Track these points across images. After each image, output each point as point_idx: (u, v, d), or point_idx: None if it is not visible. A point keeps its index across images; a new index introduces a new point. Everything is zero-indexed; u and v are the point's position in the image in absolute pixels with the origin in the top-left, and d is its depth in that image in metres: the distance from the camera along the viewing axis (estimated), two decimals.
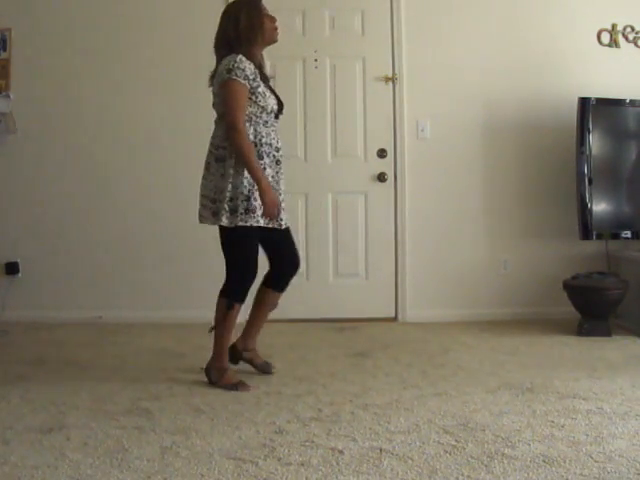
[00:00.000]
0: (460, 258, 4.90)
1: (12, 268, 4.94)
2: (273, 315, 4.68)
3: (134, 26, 4.89)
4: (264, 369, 3.49)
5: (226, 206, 3.11)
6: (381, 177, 4.86)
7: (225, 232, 3.18)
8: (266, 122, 3.21)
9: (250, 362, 3.51)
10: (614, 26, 4.86)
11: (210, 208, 3.18)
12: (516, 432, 2.63)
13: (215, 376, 3.27)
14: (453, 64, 4.84)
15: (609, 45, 4.87)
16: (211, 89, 3.29)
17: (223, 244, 3.23)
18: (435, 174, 4.88)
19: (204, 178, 3.23)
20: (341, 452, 2.45)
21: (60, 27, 4.89)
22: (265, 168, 3.16)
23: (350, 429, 2.69)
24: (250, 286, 3.29)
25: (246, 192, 3.11)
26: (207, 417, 2.85)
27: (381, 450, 2.47)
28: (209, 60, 4.83)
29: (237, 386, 3.21)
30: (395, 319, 4.89)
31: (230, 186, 3.11)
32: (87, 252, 4.93)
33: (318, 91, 4.87)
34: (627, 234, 4.65)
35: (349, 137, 4.89)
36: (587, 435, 2.58)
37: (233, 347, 3.46)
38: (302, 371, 3.48)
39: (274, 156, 3.23)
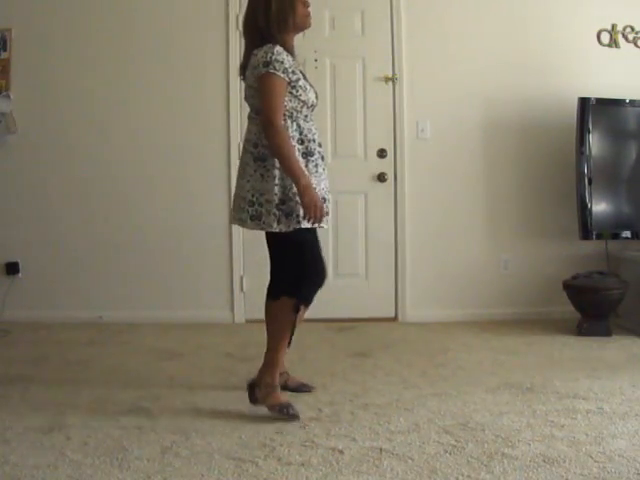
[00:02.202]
0: (460, 258, 4.90)
1: (12, 268, 4.94)
2: None
3: (134, 25, 4.88)
4: (303, 390, 3.16)
5: (276, 210, 2.84)
6: (381, 177, 4.86)
7: (282, 237, 2.90)
8: (306, 117, 3.00)
9: (285, 387, 3.13)
10: (614, 26, 4.86)
11: (247, 211, 2.90)
12: (516, 432, 2.63)
13: (262, 393, 2.91)
14: (453, 64, 4.84)
15: (609, 45, 4.87)
16: (242, 79, 3.05)
17: (282, 249, 2.96)
18: (435, 174, 4.88)
19: (240, 178, 2.98)
20: (341, 452, 2.45)
21: (60, 27, 4.89)
22: (317, 165, 2.95)
23: (350, 429, 2.69)
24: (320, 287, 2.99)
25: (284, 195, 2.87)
26: (207, 417, 2.85)
27: (381, 450, 2.47)
28: (212, 59, 4.88)
29: (287, 409, 2.86)
30: (395, 319, 4.89)
31: (277, 188, 2.85)
32: (87, 252, 4.92)
33: (318, 91, 4.85)
34: (627, 234, 4.65)
35: (349, 137, 4.88)
36: (587, 435, 2.59)
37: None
38: (302, 371, 3.48)
39: (319, 152, 3.01)
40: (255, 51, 2.89)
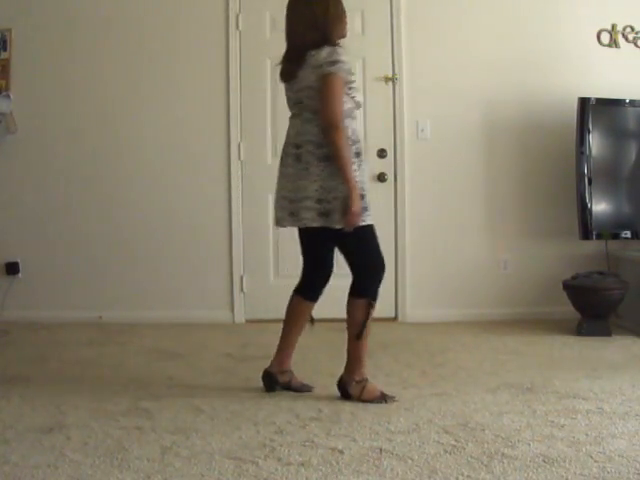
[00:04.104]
0: (460, 258, 4.90)
1: (12, 268, 4.94)
2: (273, 315, 4.68)
3: (134, 25, 4.89)
4: (304, 390, 3.20)
5: (346, 206, 2.91)
6: (381, 177, 4.86)
7: (348, 233, 2.96)
8: (354, 118, 3.10)
9: (288, 386, 3.20)
10: (614, 26, 4.86)
11: (316, 209, 2.94)
12: (516, 432, 2.62)
13: (356, 390, 3.02)
14: (453, 64, 4.84)
15: (609, 45, 4.87)
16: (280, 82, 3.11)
17: (351, 243, 3.02)
18: (435, 174, 4.88)
19: (299, 180, 2.97)
20: (341, 452, 2.45)
21: (60, 27, 4.89)
22: (361, 165, 3.02)
23: (350, 429, 2.69)
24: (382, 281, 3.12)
25: (360, 191, 2.95)
26: (207, 417, 2.85)
27: (381, 450, 2.47)
28: (212, 59, 4.88)
29: (385, 398, 3.02)
30: (395, 319, 4.89)
31: (344, 186, 2.91)
32: (87, 252, 4.93)
33: None
34: (627, 234, 4.65)
35: None
36: (587, 435, 2.58)
37: (268, 374, 3.18)
38: (302, 371, 3.47)
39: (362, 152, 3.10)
40: (313, 52, 2.93)
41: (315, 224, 2.97)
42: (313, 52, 2.93)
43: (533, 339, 4.26)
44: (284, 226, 3.11)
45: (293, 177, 3.01)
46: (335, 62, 2.89)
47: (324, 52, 2.91)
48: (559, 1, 4.86)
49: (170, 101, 4.88)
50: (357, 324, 3.02)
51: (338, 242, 3.07)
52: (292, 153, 3.03)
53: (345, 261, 3.09)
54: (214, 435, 2.64)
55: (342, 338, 4.38)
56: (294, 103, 3.06)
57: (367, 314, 3.02)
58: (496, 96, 4.85)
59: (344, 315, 4.84)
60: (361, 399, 3.00)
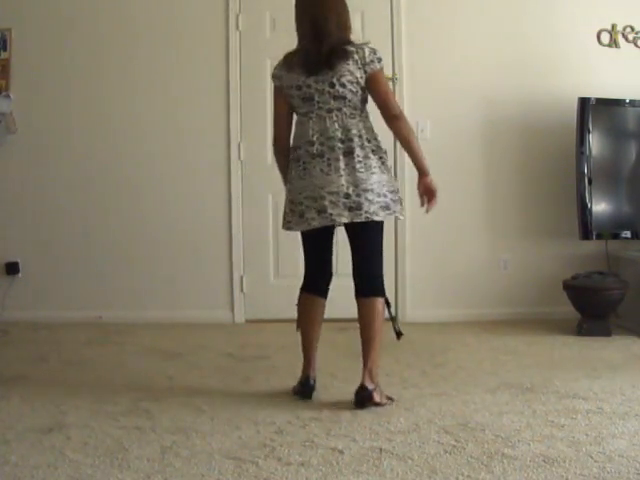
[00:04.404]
0: (460, 258, 4.89)
1: (12, 268, 4.94)
2: (273, 315, 4.69)
3: (134, 25, 4.89)
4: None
5: (399, 198, 3.05)
6: None
7: (380, 226, 3.02)
8: None
9: (311, 390, 3.18)
10: (614, 26, 4.85)
11: (377, 203, 2.94)
12: (516, 432, 2.62)
13: (380, 395, 2.96)
14: (453, 64, 4.84)
15: (609, 45, 4.86)
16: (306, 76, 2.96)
17: (376, 239, 3.03)
18: (435, 174, 4.80)
19: (358, 171, 2.91)
20: (341, 452, 2.45)
21: (60, 27, 4.89)
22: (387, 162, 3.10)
23: (350, 429, 2.69)
24: None
25: (397, 184, 3.12)
26: (207, 417, 2.85)
27: (381, 450, 2.47)
28: (212, 59, 4.88)
29: (391, 398, 3.02)
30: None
31: (393, 179, 3.09)
32: (87, 252, 4.93)
33: None
34: (627, 234, 4.65)
35: None
36: (587, 435, 2.58)
37: (309, 382, 3.15)
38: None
39: None
40: (350, 47, 2.93)
41: (377, 218, 2.95)
42: (351, 47, 2.93)
43: (533, 339, 4.26)
44: (338, 224, 2.97)
45: (346, 170, 2.92)
46: (380, 59, 2.95)
47: (367, 49, 2.93)
48: (559, 1, 4.85)
49: (170, 101, 4.88)
50: (379, 324, 3.00)
51: (360, 236, 3.02)
52: (338, 147, 2.93)
53: (358, 259, 3.03)
54: (214, 435, 2.64)
55: (342, 338, 4.38)
56: (333, 97, 2.93)
57: (389, 311, 3.08)
58: (496, 96, 4.84)
59: (344, 315, 4.83)
60: (382, 403, 2.94)
